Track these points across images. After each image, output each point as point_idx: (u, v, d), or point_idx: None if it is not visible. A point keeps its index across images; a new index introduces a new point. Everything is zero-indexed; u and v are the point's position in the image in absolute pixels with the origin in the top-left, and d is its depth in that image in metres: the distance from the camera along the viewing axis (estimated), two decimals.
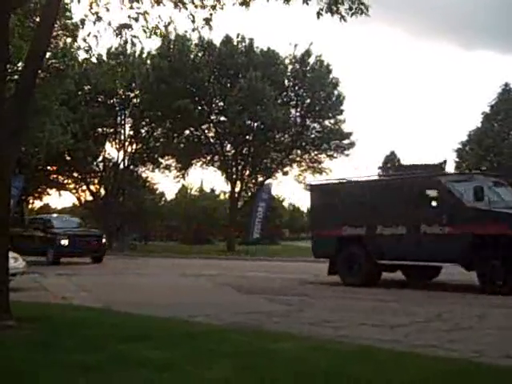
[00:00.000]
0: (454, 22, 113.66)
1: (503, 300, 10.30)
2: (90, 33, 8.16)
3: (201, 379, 4.16)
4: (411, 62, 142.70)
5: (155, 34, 8.12)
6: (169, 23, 8.16)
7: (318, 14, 7.39)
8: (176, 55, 34.42)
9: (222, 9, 8.11)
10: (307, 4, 7.41)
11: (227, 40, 36.01)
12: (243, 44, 36.65)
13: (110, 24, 7.98)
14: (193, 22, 8.09)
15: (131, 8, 7.93)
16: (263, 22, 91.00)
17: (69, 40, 10.13)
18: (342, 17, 7.38)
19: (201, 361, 4.71)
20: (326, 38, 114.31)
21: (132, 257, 31.20)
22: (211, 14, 8.03)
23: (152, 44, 36.46)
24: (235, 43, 36.47)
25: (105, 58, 29.76)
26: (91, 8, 8.02)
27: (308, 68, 37.16)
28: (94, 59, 9.18)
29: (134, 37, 8.04)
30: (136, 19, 7.90)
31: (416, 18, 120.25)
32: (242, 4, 7.93)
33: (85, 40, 8.33)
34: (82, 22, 8.19)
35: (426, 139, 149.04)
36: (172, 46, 34.08)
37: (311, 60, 37.27)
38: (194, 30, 8.28)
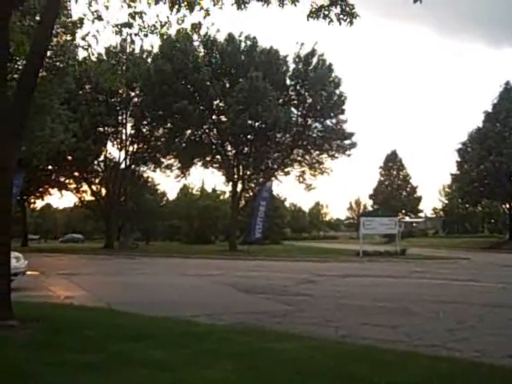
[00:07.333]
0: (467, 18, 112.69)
1: (504, 299, 10.28)
2: (88, 32, 8.18)
3: (202, 379, 4.15)
4: (414, 61, 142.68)
5: (155, 28, 8.11)
6: (165, 23, 8.17)
7: (308, 17, 7.42)
8: (178, 56, 34.35)
9: (220, 8, 8.09)
10: (295, 5, 7.42)
11: (230, 38, 35.95)
12: (246, 43, 36.55)
13: (108, 22, 8.01)
14: (181, 28, 8.12)
15: (129, 7, 7.94)
16: (265, 21, 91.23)
17: (68, 38, 10.12)
18: (331, 20, 7.38)
19: (202, 361, 4.70)
20: (327, 36, 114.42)
21: (133, 256, 31.19)
22: (204, 17, 8.02)
23: (154, 44, 36.29)
24: (237, 42, 36.39)
25: (104, 57, 29.75)
26: (90, 6, 8.03)
27: (310, 67, 37.06)
28: (93, 58, 9.16)
29: (136, 35, 8.05)
30: (140, 16, 7.91)
31: (420, 14, 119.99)
32: (238, 7, 7.91)
33: (83, 38, 8.34)
34: (81, 20, 8.20)
35: (428, 139, 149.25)
36: (176, 46, 33.99)
37: (313, 59, 37.16)
38: (186, 31, 8.30)
